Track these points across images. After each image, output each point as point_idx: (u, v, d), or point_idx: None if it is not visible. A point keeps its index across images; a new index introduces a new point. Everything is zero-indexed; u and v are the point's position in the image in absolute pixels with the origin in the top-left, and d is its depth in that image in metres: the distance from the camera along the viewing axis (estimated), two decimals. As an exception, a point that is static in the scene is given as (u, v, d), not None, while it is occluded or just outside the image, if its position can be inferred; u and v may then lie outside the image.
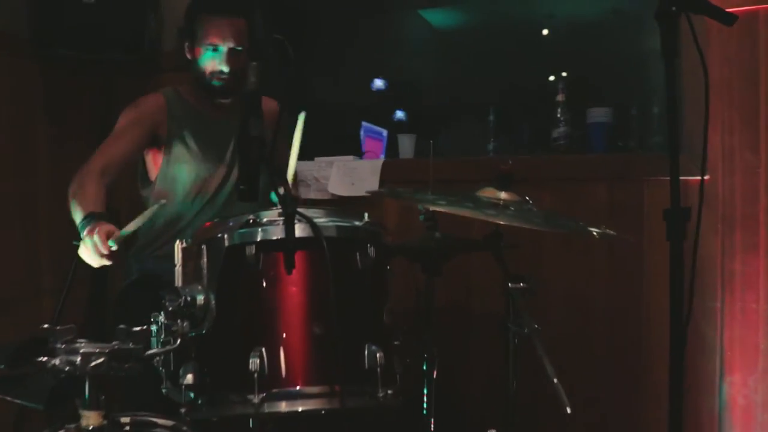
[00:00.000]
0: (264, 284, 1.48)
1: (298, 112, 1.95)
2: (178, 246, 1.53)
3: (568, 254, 2.66)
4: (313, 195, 2.95)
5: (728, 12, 1.67)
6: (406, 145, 3.15)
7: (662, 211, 1.60)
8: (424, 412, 2.05)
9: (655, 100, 2.92)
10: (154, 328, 1.50)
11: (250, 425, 1.58)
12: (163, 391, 1.60)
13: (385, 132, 4.15)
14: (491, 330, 1.95)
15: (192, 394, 1.51)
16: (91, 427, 1.30)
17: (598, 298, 2.64)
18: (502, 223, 1.67)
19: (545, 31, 4.86)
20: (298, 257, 1.47)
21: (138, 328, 1.34)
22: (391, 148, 3.58)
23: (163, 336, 1.48)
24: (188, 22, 2.29)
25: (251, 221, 1.49)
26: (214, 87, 2.24)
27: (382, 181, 2.87)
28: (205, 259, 1.50)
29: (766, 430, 2.38)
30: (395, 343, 1.62)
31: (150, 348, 1.45)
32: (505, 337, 1.79)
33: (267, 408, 1.42)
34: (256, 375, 1.41)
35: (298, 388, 1.44)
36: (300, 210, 1.47)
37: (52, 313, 2.90)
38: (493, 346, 1.97)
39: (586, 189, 2.68)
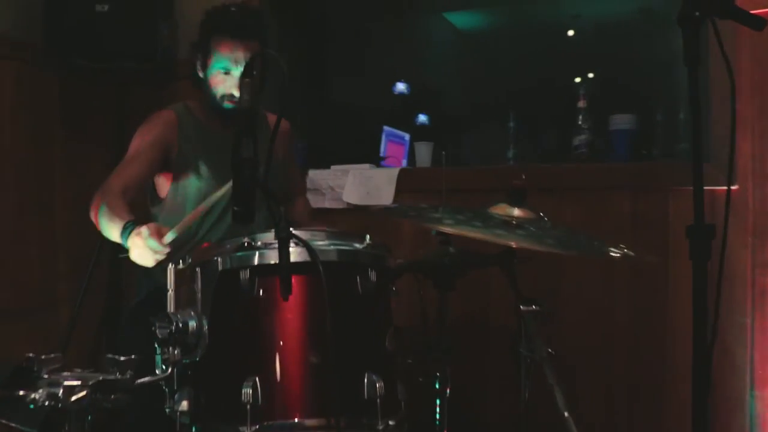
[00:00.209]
0: (258, 310, 1.43)
1: None
2: (171, 269, 1.47)
3: (588, 267, 2.57)
4: (328, 204, 2.89)
5: (757, 15, 1.57)
6: (423, 153, 3.08)
7: (686, 227, 1.51)
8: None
9: (682, 104, 2.82)
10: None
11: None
12: (166, 410, 1.55)
13: (407, 136, 4.08)
14: (507, 347, 1.88)
15: (187, 420, 1.46)
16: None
17: (620, 312, 2.55)
18: (512, 245, 1.58)
19: (571, 32, 4.77)
20: (295, 282, 1.41)
21: (125, 358, 1.29)
22: (411, 154, 3.52)
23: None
24: (202, 41, 2.26)
25: (246, 244, 1.43)
26: (225, 110, 2.21)
27: (398, 191, 2.81)
28: (199, 283, 1.45)
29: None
30: (408, 360, 1.55)
31: (142, 375, 1.40)
32: (518, 362, 1.71)
33: (259, 440, 1.36)
34: (248, 406, 1.35)
35: (293, 420, 1.38)
36: (297, 233, 1.41)
37: (68, 322, 2.91)
38: (509, 363, 1.89)
39: (608, 199, 2.59)
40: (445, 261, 1.98)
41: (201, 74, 2.27)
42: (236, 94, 2.17)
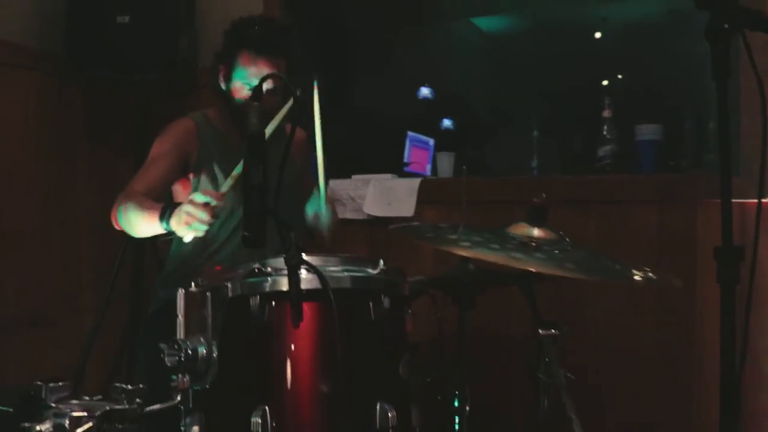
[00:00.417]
0: (269, 337, 1.40)
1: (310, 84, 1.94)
2: (181, 294, 1.45)
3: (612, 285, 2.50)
4: (349, 215, 2.86)
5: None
6: (445, 163, 3.04)
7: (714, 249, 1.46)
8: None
9: (711, 111, 2.73)
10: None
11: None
12: (182, 429, 1.53)
13: (431, 141, 4.04)
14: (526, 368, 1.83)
15: (198, 446, 1.44)
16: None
17: (646, 329, 2.48)
18: (531, 270, 1.54)
19: (598, 35, 4.69)
20: (307, 309, 1.38)
21: (133, 387, 1.27)
22: (434, 164, 3.47)
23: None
24: (226, 52, 2.24)
25: (257, 270, 1.41)
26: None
27: (419, 202, 2.77)
28: (209, 309, 1.43)
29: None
30: (426, 379, 1.52)
31: (151, 402, 1.38)
32: (536, 387, 1.66)
33: (269, 472, 1.34)
34: (258, 435, 1.33)
35: (302, 450, 1.35)
36: (309, 258, 1.38)
37: (91, 331, 2.93)
38: (530, 382, 1.85)
39: (633, 212, 2.53)
40: (465, 279, 1.95)
41: (223, 85, 2.26)
42: None
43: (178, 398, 1.37)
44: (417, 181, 2.80)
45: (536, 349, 1.66)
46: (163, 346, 1.37)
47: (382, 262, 1.49)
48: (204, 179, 2.23)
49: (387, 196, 2.80)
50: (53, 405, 1.27)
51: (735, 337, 1.46)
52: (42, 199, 2.97)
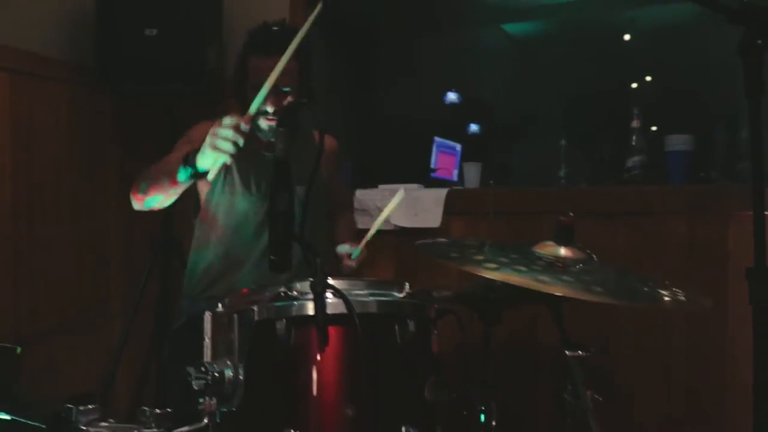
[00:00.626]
0: (295, 361, 1.40)
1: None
2: (208, 317, 1.47)
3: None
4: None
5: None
6: (472, 173, 3.02)
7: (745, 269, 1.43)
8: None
9: (742, 117, 2.68)
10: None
11: None
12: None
13: (458, 146, 4.03)
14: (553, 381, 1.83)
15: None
16: None
17: (676, 350, 2.44)
18: (557, 294, 1.52)
19: (627, 36, 4.64)
20: (333, 333, 1.39)
21: (161, 411, 1.29)
22: (461, 172, 3.46)
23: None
24: (239, 59, 2.29)
25: (284, 294, 1.41)
26: (259, 127, 2.20)
27: (446, 212, 2.76)
28: (236, 332, 1.44)
29: None
30: (452, 394, 1.51)
31: (179, 424, 1.40)
32: (563, 409, 1.65)
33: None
34: (284, 460, 1.34)
35: (328, 475, 1.36)
36: (334, 282, 1.39)
37: (120, 338, 2.97)
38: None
39: (663, 224, 2.49)
40: (491, 296, 1.93)
41: (240, 91, 2.27)
42: (269, 110, 2.16)
43: (205, 421, 1.38)
44: (444, 192, 2.79)
45: (563, 370, 1.65)
46: (190, 369, 1.38)
47: (407, 285, 1.48)
48: (221, 179, 2.25)
49: (414, 207, 2.79)
50: (83, 428, 1.28)
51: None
52: (73, 208, 3.03)
